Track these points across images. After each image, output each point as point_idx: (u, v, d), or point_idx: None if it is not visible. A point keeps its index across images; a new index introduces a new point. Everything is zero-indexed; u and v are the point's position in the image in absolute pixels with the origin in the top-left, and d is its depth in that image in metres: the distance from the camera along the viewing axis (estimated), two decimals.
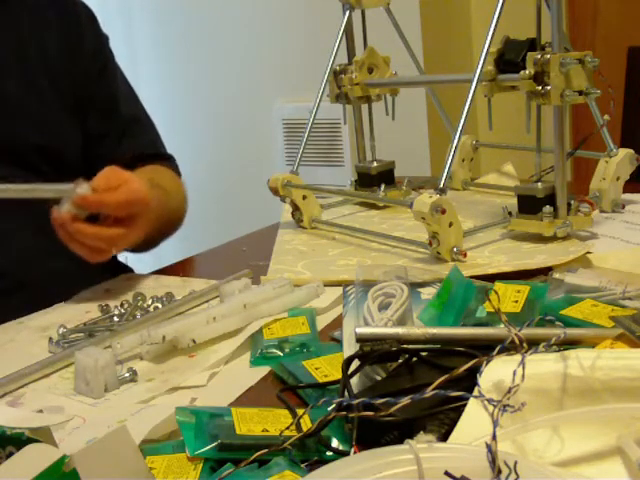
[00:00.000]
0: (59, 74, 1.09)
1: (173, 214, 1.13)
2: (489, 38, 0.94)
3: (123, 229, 0.90)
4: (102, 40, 1.16)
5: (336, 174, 2.39)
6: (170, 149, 1.26)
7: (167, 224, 1.10)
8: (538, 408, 0.48)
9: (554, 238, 0.93)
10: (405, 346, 0.58)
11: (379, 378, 0.59)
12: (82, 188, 0.87)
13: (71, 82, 1.10)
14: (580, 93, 0.90)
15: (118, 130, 1.15)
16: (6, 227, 1.02)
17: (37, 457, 0.43)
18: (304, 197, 1.12)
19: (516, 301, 0.68)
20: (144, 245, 1.06)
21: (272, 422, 0.54)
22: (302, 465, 0.50)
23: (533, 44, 0.96)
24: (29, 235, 1.04)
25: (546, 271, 0.80)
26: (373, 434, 0.51)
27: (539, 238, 0.93)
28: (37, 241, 1.03)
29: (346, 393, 0.54)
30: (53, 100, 1.08)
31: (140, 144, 1.17)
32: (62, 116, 1.09)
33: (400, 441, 0.45)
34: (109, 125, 1.15)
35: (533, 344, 0.54)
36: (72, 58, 1.10)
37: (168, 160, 1.21)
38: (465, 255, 0.89)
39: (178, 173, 1.22)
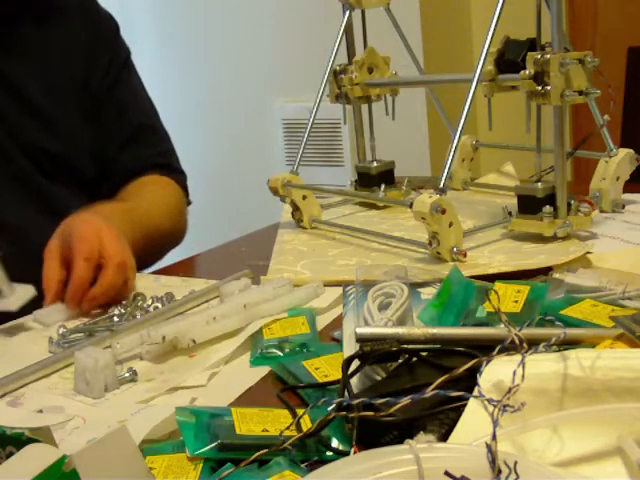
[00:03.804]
0: (79, 83, 1.12)
1: (153, 231, 1.11)
2: (489, 38, 0.94)
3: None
4: (121, 51, 1.19)
5: (336, 174, 2.39)
6: None
7: (148, 241, 1.08)
8: (538, 408, 0.48)
9: (554, 238, 0.93)
10: (405, 346, 0.58)
11: (379, 378, 0.59)
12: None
13: (88, 91, 1.12)
14: (580, 93, 0.90)
15: (124, 136, 1.17)
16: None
17: (37, 457, 0.43)
18: (304, 197, 1.12)
19: (516, 301, 0.68)
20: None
21: (272, 422, 0.54)
22: (302, 465, 0.50)
23: (533, 44, 0.96)
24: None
25: (546, 271, 0.80)
26: (373, 434, 0.51)
27: (539, 238, 0.93)
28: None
29: (346, 393, 0.54)
30: (73, 108, 1.11)
31: (145, 153, 1.19)
32: (79, 124, 1.11)
33: (400, 441, 0.45)
34: (116, 131, 1.16)
35: (533, 344, 0.54)
36: (91, 67, 1.13)
37: (174, 172, 1.22)
38: (465, 255, 0.89)
39: (184, 188, 1.24)
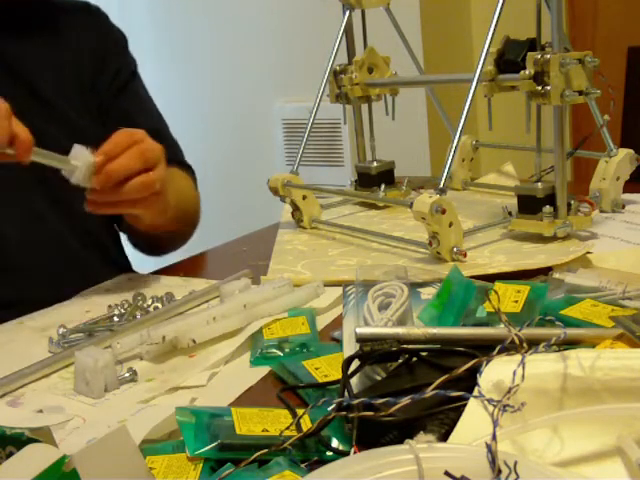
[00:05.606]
0: (87, 86, 1.16)
1: (185, 212, 1.14)
2: (489, 38, 0.94)
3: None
4: (128, 62, 1.24)
5: (336, 174, 2.39)
6: None
7: (179, 220, 1.11)
8: (538, 408, 0.48)
9: (554, 238, 0.93)
10: (405, 346, 0.58)
11: (379, 378, 0.59)
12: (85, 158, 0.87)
13: (95, 95, 1.17)
14: (580, 93, 0.90)
15: None
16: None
17: (37, 457, 0.43)
18: (304, 197, 1.12)
19: (516, 301, 0.68)
20: (155, 240, 1.10)
21: (272, 422, 0.54)
22: (302, 465, 0.50)
23: (533, 44, 0.96)
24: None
25: (546, 271, 0.80)
26: (373, 434, 0.51)
27: (539, 238, 0.93)
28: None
29: (346, 393, 0.54)
30: (81, 109, 1.14)
31: None
32: (89, 124, 1.15)
33: (400, 441, 0.45)
34: None
35: (533, 344, 0.54)
36: (99, 73, 1.18)
37: (187, 168, 1.25)
38: (465, 255, 0.89)
39: (195, 183, 1.26)
